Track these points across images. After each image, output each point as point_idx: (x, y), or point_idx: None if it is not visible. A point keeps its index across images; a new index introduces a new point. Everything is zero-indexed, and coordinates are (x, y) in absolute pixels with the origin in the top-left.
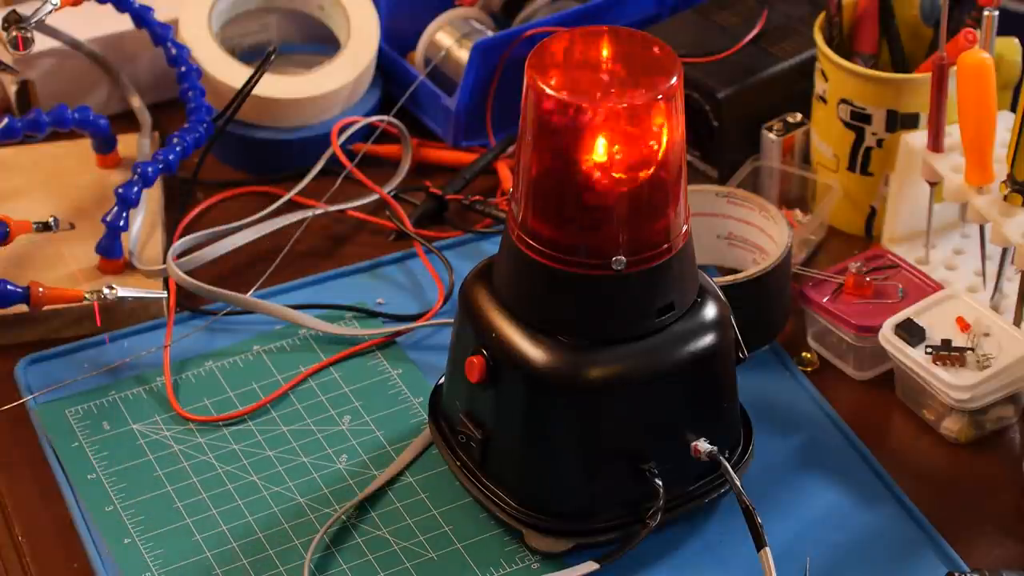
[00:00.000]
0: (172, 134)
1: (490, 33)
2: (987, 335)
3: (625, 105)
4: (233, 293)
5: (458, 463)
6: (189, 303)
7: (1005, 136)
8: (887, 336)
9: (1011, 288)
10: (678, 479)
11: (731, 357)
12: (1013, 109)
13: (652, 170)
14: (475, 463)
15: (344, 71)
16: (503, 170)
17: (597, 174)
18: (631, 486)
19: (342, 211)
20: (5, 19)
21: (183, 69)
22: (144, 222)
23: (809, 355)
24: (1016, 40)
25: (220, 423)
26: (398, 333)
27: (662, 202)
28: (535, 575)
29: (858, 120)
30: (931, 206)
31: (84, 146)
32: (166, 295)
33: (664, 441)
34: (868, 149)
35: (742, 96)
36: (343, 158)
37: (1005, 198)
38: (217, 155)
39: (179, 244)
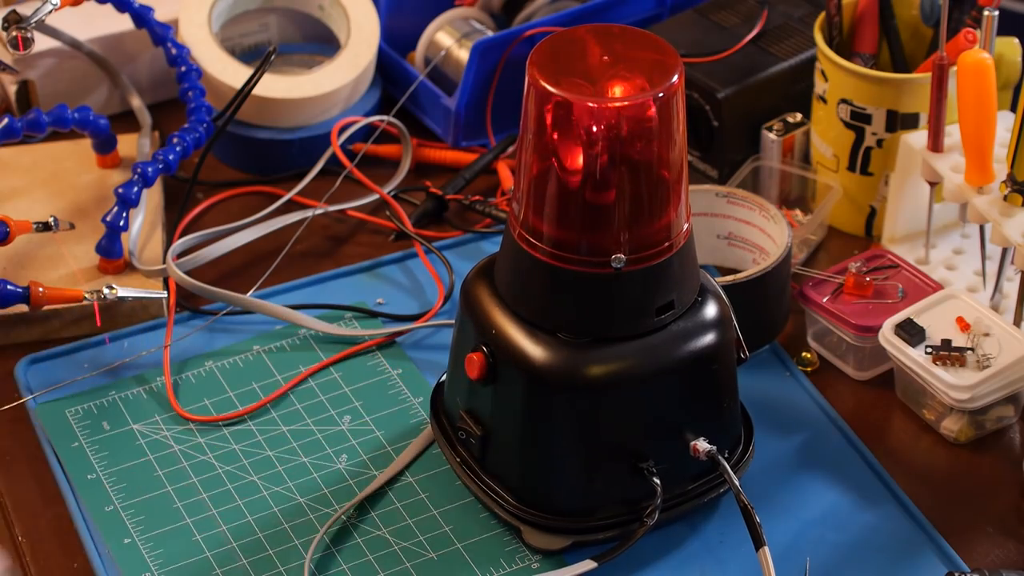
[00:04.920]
0: (172, 134)
1: (490, 33)
2: (987, 335)
3: (626, 104)
4: (233, 293)
5: (458, 459)
6: (189, 303)
7: (1005, 136)
8: (887, 336)
9: (1011, 288)
10: (677, 478)
11: (732, 356)
12: (1013, 109)
13: (653, 169)
14: (474, 460)
15: (344, 71)
16: (503, 170)
17: (598, 173)
18: (630, 484)
19: (342, 211)
20: (5, 19)
21: (183, 69)
22: (144, 222)
23: (809, 355)
24: (1016, 40)
25: (220, 423)
26: (398, 333)
27: (663, 201)
28: (535, 575)
29: (858, 120)
30: (931, 206)
31: (84, 146)
32: (166, 295)
33: (663, 440)
34: (868, 149)
35: (742, 96)
36: (343, 158)
37: (1005, 198)
38: (217, 155)
39: (179, 244)
